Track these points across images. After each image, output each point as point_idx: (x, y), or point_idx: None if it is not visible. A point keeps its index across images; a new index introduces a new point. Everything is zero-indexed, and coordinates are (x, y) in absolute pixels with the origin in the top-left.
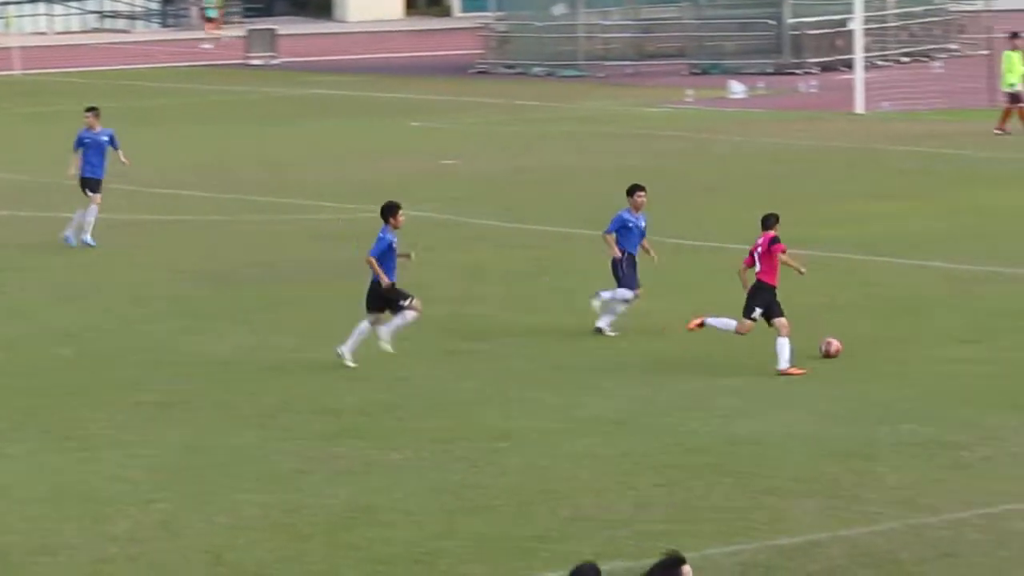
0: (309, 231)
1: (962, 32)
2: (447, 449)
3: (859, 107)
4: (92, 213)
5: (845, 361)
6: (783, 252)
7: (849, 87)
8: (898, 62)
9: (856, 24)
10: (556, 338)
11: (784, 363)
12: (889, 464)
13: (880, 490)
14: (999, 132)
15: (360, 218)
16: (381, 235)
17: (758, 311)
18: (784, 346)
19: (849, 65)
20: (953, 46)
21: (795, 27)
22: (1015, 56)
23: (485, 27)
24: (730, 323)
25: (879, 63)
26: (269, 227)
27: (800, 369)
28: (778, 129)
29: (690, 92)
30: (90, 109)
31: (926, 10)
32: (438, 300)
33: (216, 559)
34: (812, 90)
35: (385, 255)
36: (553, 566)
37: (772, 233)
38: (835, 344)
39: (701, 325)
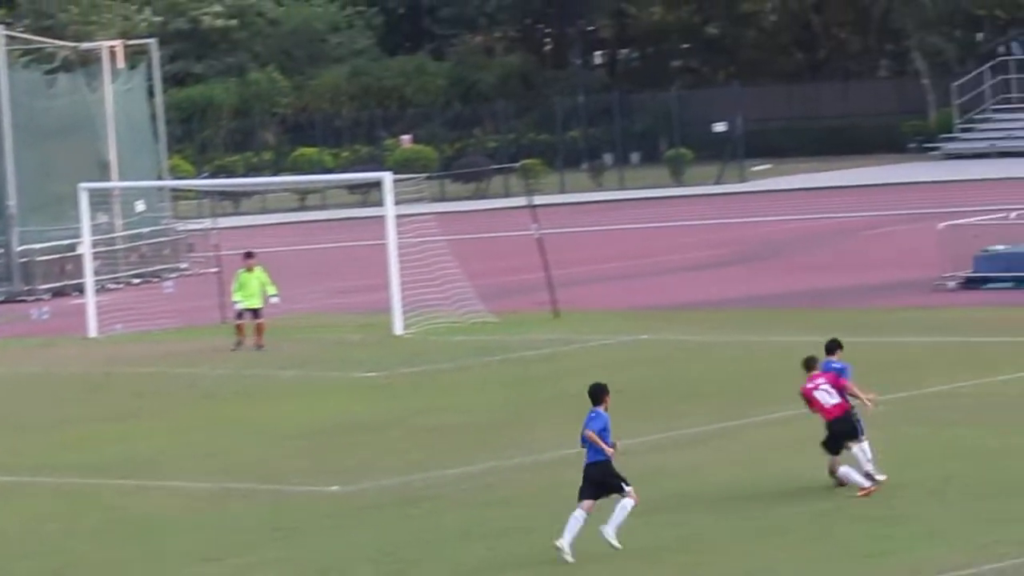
0: None
1: (191, 251)
2: None
3: (92, 331)
4: None
5: None
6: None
7: (82, 311)
8: (130, 284)
9: (85, 248)
10: None
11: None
12: None
13: None
14: (235, 348)
15: None
16: (595, 413)
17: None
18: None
19: (81, 289)
20: (183, 265)
21: (24, 253)
22: (244, 275)
23: None
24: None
25: (111, 286)
26: None
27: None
28: (11, 358)
29: None
30: None
31: (154, 231)
32: None
33: None
34: (45, 316)
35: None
36: None
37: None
38: None
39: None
